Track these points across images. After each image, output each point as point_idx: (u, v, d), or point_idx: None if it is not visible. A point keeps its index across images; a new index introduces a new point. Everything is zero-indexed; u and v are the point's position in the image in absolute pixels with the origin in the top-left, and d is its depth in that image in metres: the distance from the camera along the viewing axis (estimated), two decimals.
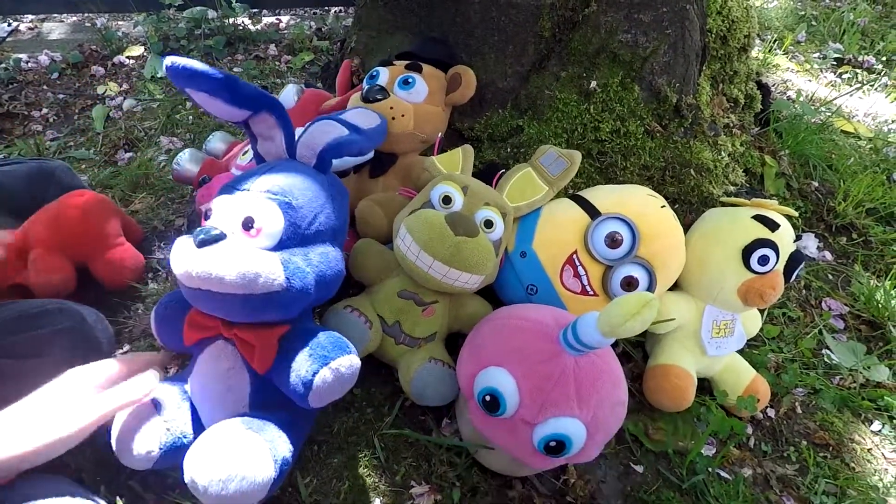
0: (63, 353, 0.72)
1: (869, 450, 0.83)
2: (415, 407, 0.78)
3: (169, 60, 0.58)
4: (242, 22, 1.88)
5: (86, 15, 1.95)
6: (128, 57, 1.73)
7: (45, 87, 1.61)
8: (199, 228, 0.57)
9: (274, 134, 0.67)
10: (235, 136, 1.14)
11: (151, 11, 1.80)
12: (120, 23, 1.95)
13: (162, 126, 1.42)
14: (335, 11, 2.03)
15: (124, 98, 1.54)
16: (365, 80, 0.89)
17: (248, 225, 0.58)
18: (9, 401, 0.68)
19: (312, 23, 1.96)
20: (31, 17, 1.95)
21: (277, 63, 1.71)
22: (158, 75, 1.65)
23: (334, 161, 0.71)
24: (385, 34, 1.03)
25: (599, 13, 0.85)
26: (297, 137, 0.68)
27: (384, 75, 0.87)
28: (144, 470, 0.64)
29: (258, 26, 1.89)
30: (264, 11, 2.02)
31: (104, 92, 1.58)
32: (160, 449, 0.60)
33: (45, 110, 1.50)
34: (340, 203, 0.67)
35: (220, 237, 0.56)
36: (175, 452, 0.61)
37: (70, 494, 0.60)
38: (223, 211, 0.59)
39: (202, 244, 0.56)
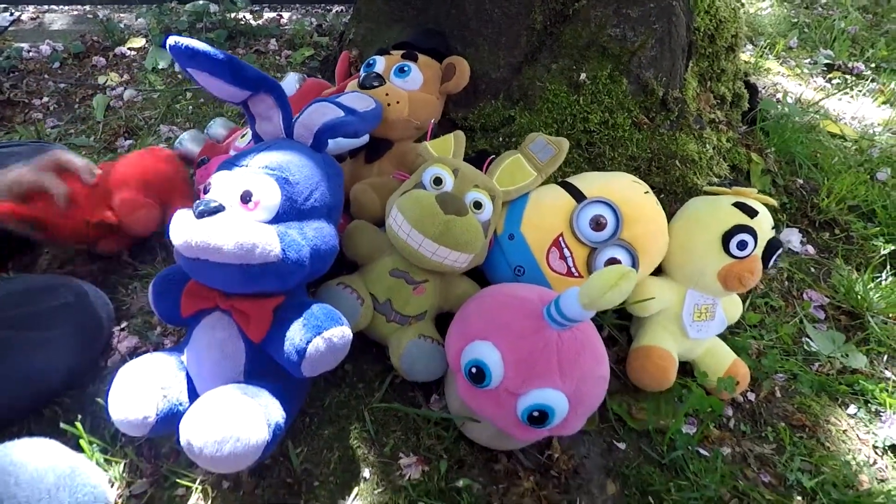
0: (66, 327, 0.75)
1: (844, 431, 0.85)
2: (404, 383, 0.81)
3: (172, 40, 0.60)
4: (244, 17, 1.90)
5: (88, 6, 1.97)
6: (129, 48, 1.75)
7: (46, 76, 1.63)
8: (198, 201, 0.60)
9: (272, 114, 0.69)
10: (236, 123, 1.16)
11: (154, 4, 1.83)
12: (122, 15, 1.97)
13: (162, 115, 1.44)
14: (337, 11, 2.06)
15: (125, 88, 1.56)
16: (362, 68, 0.92)
17: (246, 198, 0.60)
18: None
19: (313, 19, 1.98)
20: (33, 7, 1.97)
21: (278, 57, 1.73)
22: (160, 66, 1.67)
23: (330, 144, 0.74)
24: (383, 26, 1.06)
25: (589, 7, 0.88)
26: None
27: (381, 63, 0.90)
28: (140, 437, 0.67)
29: (259, 21, 1.92)
30: (266, 7, 2.04)
31: (105, 82, 1.60)
32: (157, 415, 0.62)
33: (45, 99, 1.52)
34: (336, 182, 0.70)
35: (219, 209, 0.59)
36: (171, 419, 0.63)
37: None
38: (222, 185, 0.62)
39: (201, 215, 0.58)
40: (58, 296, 0.76)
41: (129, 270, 0.93)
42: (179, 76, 1.64)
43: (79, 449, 0.67)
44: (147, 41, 1.79)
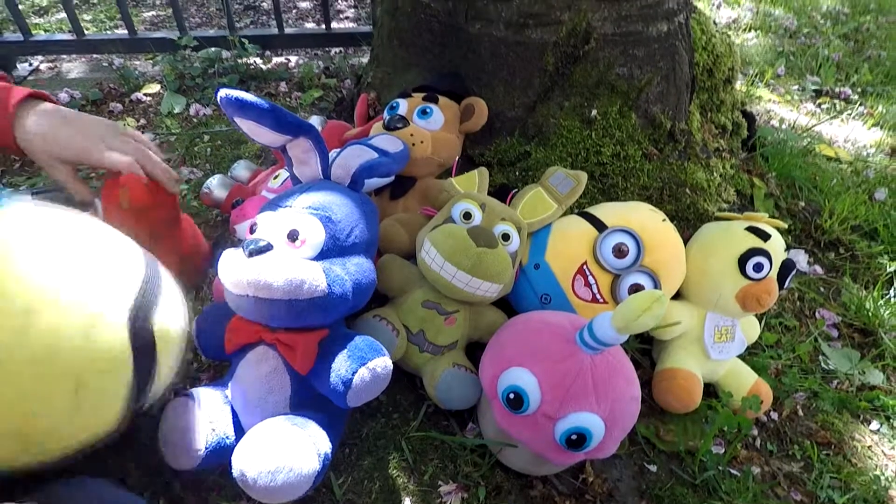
0: None
1: (869, 447, 0.87)
2: (438, 412, 0.83)
3: (223, 92, 0.65)
4: (254, 62, 1.98)
5: (103, 55, 2.04)
6: (145, 94, 1.82)
7: None
8: (247, 240, 0.63)
9: (310, 158, 0.73)
10: (256, 165, 1.21)
11: (168, 52, 1.90)
12: (136, 62, 2.05)
13: (181, 158, 1.49)
14: (341, 53, 2.14)
15: (142, 132, 1.61)
16: (386, 111, 0.97)
17: (293, 237, 0.63)
18: None
19: (320, 62, 2.06)
20: (41, 56, 2.04)
21: (288, 99, 1.80)
22: (175, 111, 1.73)
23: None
24: (400, 70, 1.11)
25: (598, 49, 0.94)
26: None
27: (403, 106, 0.95)
28: (186, 471, 0.68)
29: (269, 65, 1.99)
30: (275, 51, 2.12)
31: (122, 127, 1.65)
32: (206, 448, 0.63)
33: None
34: (372, 219, 0.73)
35: (269, 248, 0.62)
36: (219, 453, 0.65)
37: (114, 496, 0.63)
38: (268, 225, 0.65)
39: (252, 254, 0.61)
40: None
41: None
42: (195, 120, 1.69)
43: (124, 482, 0.68)
44: (162, 86, 1.85)
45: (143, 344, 0.52)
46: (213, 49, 1.87)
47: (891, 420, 0.91)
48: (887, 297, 1.11)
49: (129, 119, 1.69)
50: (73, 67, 2.01)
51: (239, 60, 1.90)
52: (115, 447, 0.73)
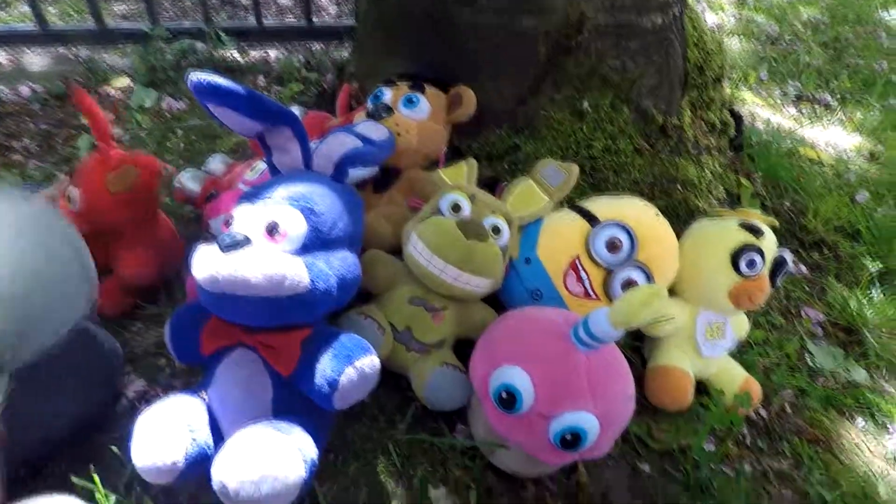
0: (75, 374, 0.71)
1: (856, 444, 0.87)
2: (426, 414, 0.79)
3: (194, 76, 0.60)
4: (231, 55, 1.92)
5: (69, 47, 1.95)
6: (113, 88, 1.74)
7: (26, 118, 1.60)
8: (223, 234, 0.59)
9: (290, 147, 0.69)
10: (232, 158, 1.16)
11: (138, 44, 1.82)
12: (104, 55, 1.96)
13: (153, 153, 1.43)
14: (321, 47, 2.09)
15: (112, 127, 1.54)
16: (369, 100, 0.93)
17: (272, 230, 0.59)
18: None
19: (301, 56, 2.01)
20: (10, 48, 1.94)
21: (267, 93, 1.74)
22: (146, 105, 1.66)
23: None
24: (384, 59, 1.08)
25: (591, 40, 0.92)
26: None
27: (388, 94, 0.91)
28: (162, 485, 0.63)
29: (247, 59, 1.93)
30: (253, 44, 2.06)
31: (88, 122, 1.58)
32: (185, 460, 0.58)
33: (26, 141, 1.48)
34: (356, 211, 0.70)
35: (246, 242, 0.58)
36: (199, 463, 0.59)
37: None
38: (245, 218, 0.61)
39: (227, 249, 0.57)
40: (65, 341, 0.72)
41: (131, 313, 0.90)
42: (167, 115, 1.63)
43: (93, 501, 0.63)
44: (131, 80, 1.77)
45: None
46: (186, 41, 1.80)
47: (875, 417, 0.92)
48: (870, 296, 1.11)
49: None
50: (36, 61, 1.91)
51: (214, 53, 1.83)
52: (80, 461, 0.69)
